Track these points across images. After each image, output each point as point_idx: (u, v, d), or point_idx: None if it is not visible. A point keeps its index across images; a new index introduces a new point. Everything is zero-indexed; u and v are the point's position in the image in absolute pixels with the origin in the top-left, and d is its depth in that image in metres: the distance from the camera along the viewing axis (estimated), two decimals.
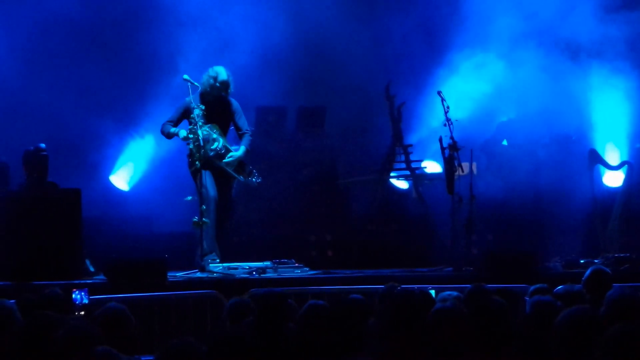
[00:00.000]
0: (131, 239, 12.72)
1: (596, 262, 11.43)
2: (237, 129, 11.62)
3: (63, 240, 10.56)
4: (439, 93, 11.91)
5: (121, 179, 14.00)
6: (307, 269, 11.39)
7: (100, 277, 10.54)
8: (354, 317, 6.13)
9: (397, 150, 13.64)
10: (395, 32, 14.73)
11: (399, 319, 5.56)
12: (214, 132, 11.30)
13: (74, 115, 13.71)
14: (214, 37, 13.59)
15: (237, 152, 11.45)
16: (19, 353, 5.25)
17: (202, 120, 11.15)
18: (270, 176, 13.04)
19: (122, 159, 13.99)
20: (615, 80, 13.64)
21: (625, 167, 13.06)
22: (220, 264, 11.18)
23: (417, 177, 13.55)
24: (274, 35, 13.80)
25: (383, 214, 13.59)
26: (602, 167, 13.26)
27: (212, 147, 11.23)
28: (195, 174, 11.13)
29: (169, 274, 10.43)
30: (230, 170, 11.44)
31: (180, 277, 10.69)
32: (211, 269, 10.97)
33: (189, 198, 12.06)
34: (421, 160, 13.75)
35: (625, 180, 13.00)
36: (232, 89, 11.50)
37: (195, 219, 10.96)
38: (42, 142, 11.13)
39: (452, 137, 11.59)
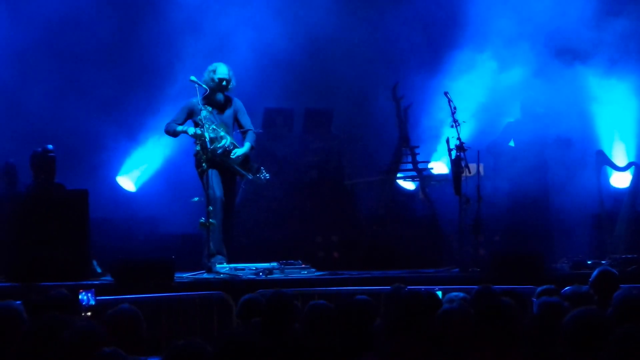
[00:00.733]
0: (138, 240, 12.75)
1: (603, 263, 11.41)
2: (240, 127, 11.62)
3: (70, 242, 10.58)
4: (446, 94, 11.90)
5: (128, 180, 14.02)
6: (314, 270, 11.39)
7: (107, 278, 10.55)
8: (361, 318, 6.13)
9: (404, 151, 13.64)
10: (403, 34, 14.73)
11: (406, 320, 5.56)
12: (221, 131, 11.31)
13: (81, 117, 13.74)
14: (218, 40, 13.60)
15: (242, 148, 11.46)
16: (25, 354, 5.25)
17: (210, 122, 11.16)
18: (277, 177, 13.05)
19: (129, 160, 14.00)
20: (623, 81, 13.63)
21: (632, 168, 13.04)
22: (227, 265, 11.19)
23: (424, 178, 13.55)
24: (281, 38, 13.81)
25: (390, 215, 13.58)
26: (609, 168, 13.25)
27: (219, 146, 11.23)
28: (202, 174, 11.14)
29: (176, 274, 10.43)
30: (238, 168, 11.44)
31: (187, 278, 10.69)
32: (218, 269, 10.97)
33: (196, 199, 12.06)
34: (428, 162, 13.75)
35: (633, 182, 12.98)
36: (233, 84, 11.50)
37: (202, 219, 10.96)
38: (50, 144, 11.15)
39: (459, 138, 11.58)
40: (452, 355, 5.46)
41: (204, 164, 11.01)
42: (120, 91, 13.90)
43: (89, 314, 7.37)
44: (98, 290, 7.94)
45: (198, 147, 11.08)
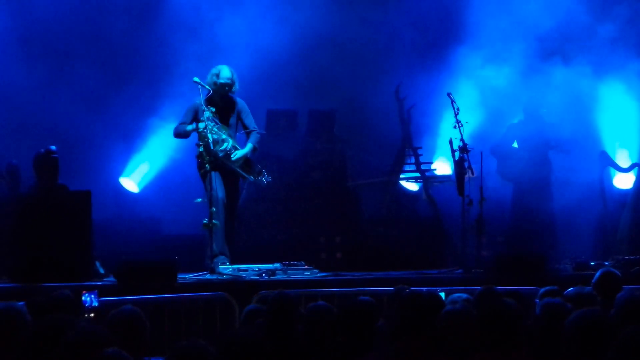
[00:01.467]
0: (141, 240, 12.75)
1: (606, 265, 11.41)
2: (244, 127, 11.63)
3: (73, 242, 10.57)
4: (449, 95, 11.89)
5: (131, 181, 14.03)
6: (317, 271, 11.37)
7: (110, 279, 10.55)
8: (364, 319, 6.14)
9: (407, 152, 13.64)
10: (406, 34, 14.73)
11: (409, 321, 5.56)
12: (224, 133, 11.31)
13: (84, 118, 13.75)
14: (219, 40, 13.60)
15: (242, 150, 11.46)
16: (28, 355, 5.25)
17: (213, 122, 11.17)
18: (280, 179, 13.05)
19: (132, 161, 14.01)
20: (626, 81, 13.62)
21: (635, 169, 13.03)
22: (230, 266, 11.19)
23: (427, 179, 13.54)
24: (282, 39, 13.80)
25: (393, 216, 13.58)
26: (612, 169, 13.24)
27: (221, 148, 11.24)
28: (205, 175, 11.14)
29: (179, 275, 10.43)
30: (240, 170, 11.45)
31: (190, 279, 10.69)
32: (221, 270, 10.97)
33: (199, 200, 12.04)
34: (431, 162, 13.75)
35: (636, 183, 12.97)
36: (237, 87, 11.50)
37: (205, 220, 10.96)
38: (53, 145, 11.16)
39: (462, 139, 11.57)
40: (455, 356, 5.46)
41: (206, 165, 11.01)
42: (122, 92, 13.90)
43: (91, 315, 7.37)
44: (101, 292, 7.94)
45: (201, 149, 11.08)
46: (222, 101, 11.45)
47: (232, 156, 11.32)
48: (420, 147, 13.63)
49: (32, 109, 13.49)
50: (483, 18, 13.94)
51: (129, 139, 13.96)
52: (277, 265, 11.29)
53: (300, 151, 13.79)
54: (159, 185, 13.95)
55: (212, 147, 11.02)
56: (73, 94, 13.68)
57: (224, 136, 11.30)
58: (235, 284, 10.39)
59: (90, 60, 13.90)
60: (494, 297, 6.63)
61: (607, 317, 5.37)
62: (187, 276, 10.72)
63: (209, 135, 11.00)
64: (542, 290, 7.30)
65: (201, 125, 11.12)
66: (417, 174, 13.63)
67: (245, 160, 11.51)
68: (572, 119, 13.61)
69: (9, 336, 5.52)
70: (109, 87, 13.90)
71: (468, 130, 11.80)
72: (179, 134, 11.49)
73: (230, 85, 11.44)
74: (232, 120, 11.53)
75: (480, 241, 11.67)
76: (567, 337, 5.13)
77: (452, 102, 11.78)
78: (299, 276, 11.06)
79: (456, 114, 11.68)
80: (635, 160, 13.23)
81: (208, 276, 10.83)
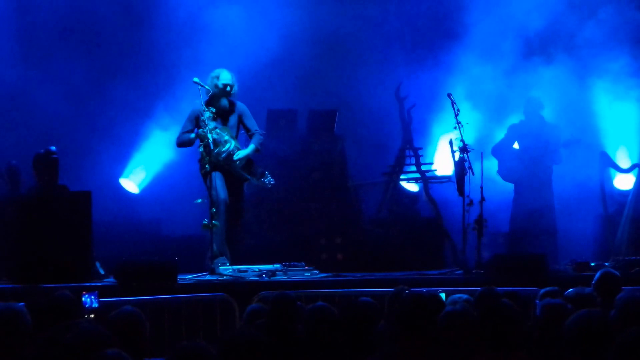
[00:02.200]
0: (141, 241, 12.75)
1: (606, 265, 11.41)
2: (247, 130, 11.63)
3: (73, 243, 10.58)
4: (449, 95, 11.90)
5: (131, 182, 14.03)
6: (317, 271, 11.38)
7: (110, 280, 10.55)
8: (364, 320, 6.13)
9: (408, 152, 13.64)
10: (406, 35, 14.72)
11: (409, 322, 5.55)
12: (225, 135, 11.31)
13: (84, 119, 13.76)
14: (221, 41, 13.60)
15: (244, 150, 11.45)
16: (29, 356, 5.25)
17: (213, 123, 11.16)
18: (280, 179, 13.04)
19: (132, 162, 14.01)
20: (626, 82, 13.62)
21: (636, 170, 13.02)
22: (230, 267, 11.18)
23: (427, 179, 13.54)
24: (284, 39, 13.81)
25: (393, 216, 13.58)
26: (612, 170, 13.23)
27: (222, 150, 11.24)
28: (206, 176, 11.14)
29: (179, 276, 10.43)
30: (242, 172, 11.44)
31: (190, 279, 10.70)
32: (221, 271, 10.98)
33: (199, 200, 12.03)
34: (431, 163, 13.75)
35: (636, 183, 12.96)
36: (236, 89, 11.50)
37: (205, 221, 10.96)
38: (53, 145, 11.15)
39: (462, 140, 11.58)
40: (455, 357, 5.45)
41: (207, 166, 11.01)
42: (122, 92, 13.90)
43: (92, 315, 7.38)
44: (101, 292, 7.96)
45: (201, 149, 11.08)
46: (223, 105, 11.45)
47: (234, 155, 11.32)
48: (421, 148, 13.63)
49: (32, 110, 13.48)
50: (482, 17, 13.93)
51: (129, 140, 13.96)
52: (278, 266, 11.29)
53: (300, 151, 13.79)
54: (159, 186, 13.95)
55: (212, 148, 11.01)
56: (73, 94, 13.68)
57: (226, 137, 11.30)
58: (236, 285, 10.39)
59: (90, 60, 13.90)
60: (494, 297, 6.63)
61: (608, 318, 5.37)
62: (187, 277, 10.72)
63: (209, 135, 11.00)
64: (543, 291, 7.30)
65: (201, 131, 11.12)
66: (418, 175, 13.62)
67: (247, 162, 11.51)
68: (573, 120, 13.62)
69: (10, 337, 5.51)
70: (109, 87, 13.90)
71: (468, 130, 11.81)
72: (183, 142, 11.46)
73: (230, 87, 11.44)
74: (234, 123, 11.52)
75: (481, 242, 11.67)
76: (567, 338, 5.12)
77: (453, 103, 11.79)
78: (299, 277, 11.06)
79: (456, 115, 11.70)
80: (636, 161, 13.22)
81: (208, 277, 10.84)
